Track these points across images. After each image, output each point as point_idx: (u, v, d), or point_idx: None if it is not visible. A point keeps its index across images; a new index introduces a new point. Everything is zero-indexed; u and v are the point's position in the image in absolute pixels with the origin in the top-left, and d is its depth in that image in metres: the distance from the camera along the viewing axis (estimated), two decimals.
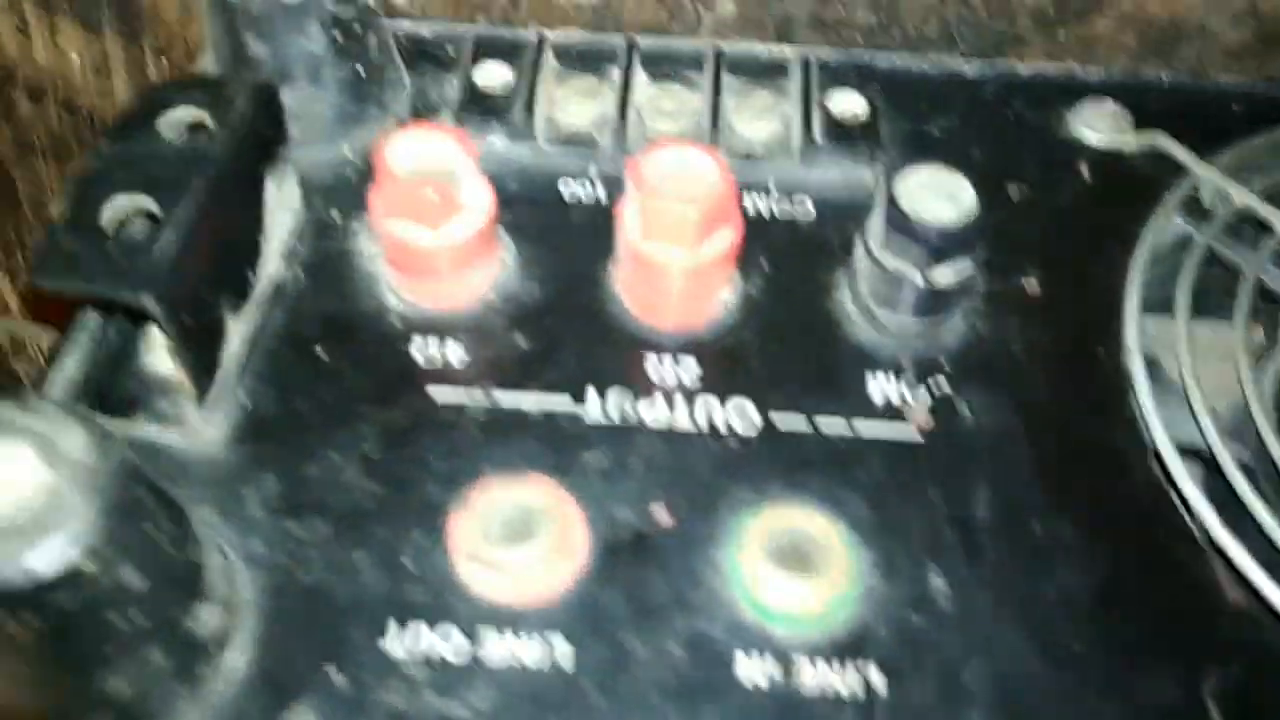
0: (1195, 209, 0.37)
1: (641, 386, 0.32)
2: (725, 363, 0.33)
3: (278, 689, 0.26)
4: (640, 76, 0.39)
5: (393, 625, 0.27)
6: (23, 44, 0.49)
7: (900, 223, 0.31)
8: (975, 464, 0.30)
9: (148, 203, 0.29)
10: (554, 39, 0.40)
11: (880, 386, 0.32)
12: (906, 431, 0.31)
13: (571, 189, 0.37)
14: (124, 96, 0.52)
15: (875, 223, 0.32)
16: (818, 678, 0.26)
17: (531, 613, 0.27)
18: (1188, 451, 0.31)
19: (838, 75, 0.39)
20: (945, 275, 0.31)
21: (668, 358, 0.33)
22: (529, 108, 0.38)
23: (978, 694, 0.26)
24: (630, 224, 0.32)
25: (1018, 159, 0.38)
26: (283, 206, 0.34)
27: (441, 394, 0.32)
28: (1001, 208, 0.36)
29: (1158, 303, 0.34)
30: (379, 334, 0.33)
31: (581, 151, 0.38)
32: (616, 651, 0.27)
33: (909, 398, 0.32)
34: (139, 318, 0.31)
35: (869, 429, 0.31)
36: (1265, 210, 0.36)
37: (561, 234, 0.36)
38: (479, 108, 0.38)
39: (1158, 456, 0.30)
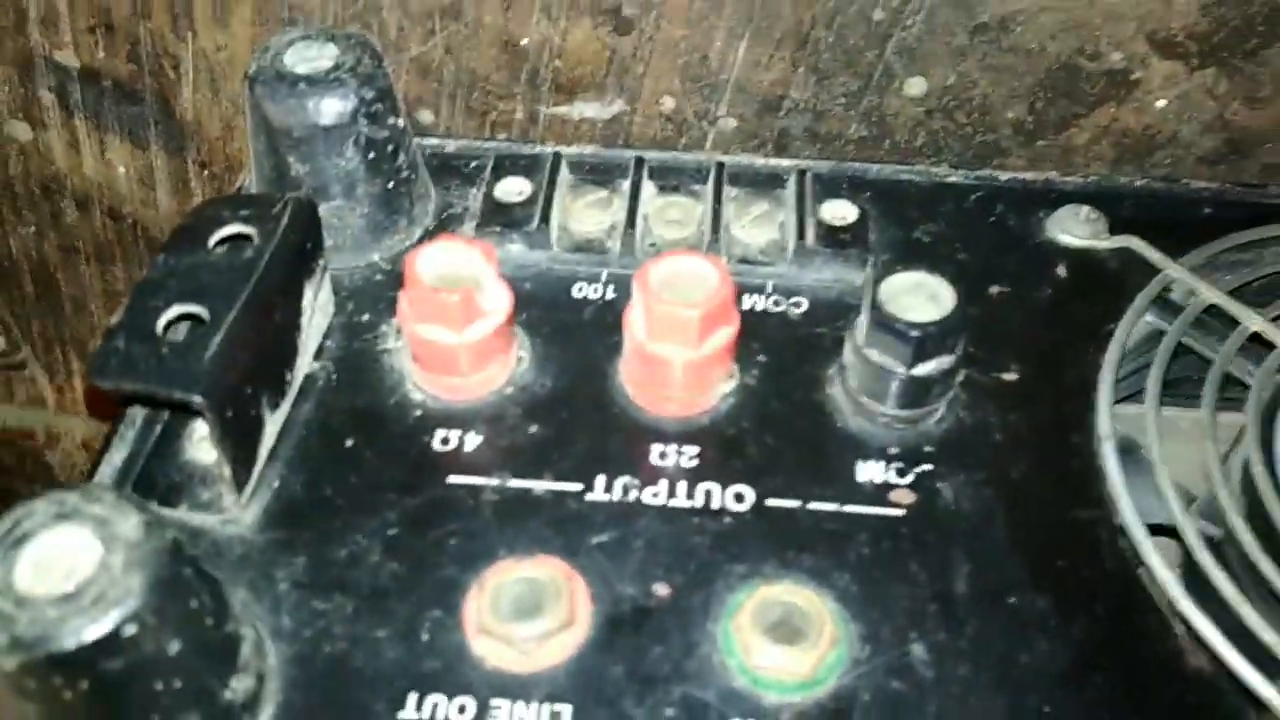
0: (1167, 305, 0.39)
1: (645, 472, 0.34)
2: (724, 449, 0.35)
3: None
4: (648, 188, 0.43)
5: (412, 698, 0.29)
6: (73, 158, 0.53)
7: (884, 322, 0.34)
8: (955, 541, 0.33)
9: (197, 309, 0.32)
10: (568, 154, 0.44)
11: (868, 471, 0.34)
12: (891, 511, 0.33)
13: (584, 291, 0.40)
14: (166, 205, 0.56)
15: (862, 321, 0.35)
16: None
17: (538, 680, 0.30)
18: (1162, 530, 0.33)
19: (830, 184, 0.42)
20: (927, 369, 0.34)
21: (671, 446, 0.35)
22: (545, 218, 0.41)
23: None
24: (637, 325, 0.35)
25: (999, 261, 0.41)
26: (319, 311, 0.38)
27: (460, 481, 0.34)
28: (983, 306, 0.39)
29: (1134, 391, 0.37)
30: (403, 426, 0.36)
31: (594, 257, 0.41)
32: (615, 715, 0.29)
33: (894, 480, 0.34)
34: (185, 412, 0.34)
35: (857, 510, 0.33)
36: (1232, 306, 0.38)
37: (574, 331, 0.39)
38: (499, 219, 0.41)
39: (1125, 533, 0.32)
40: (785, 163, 0.43)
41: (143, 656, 0.25)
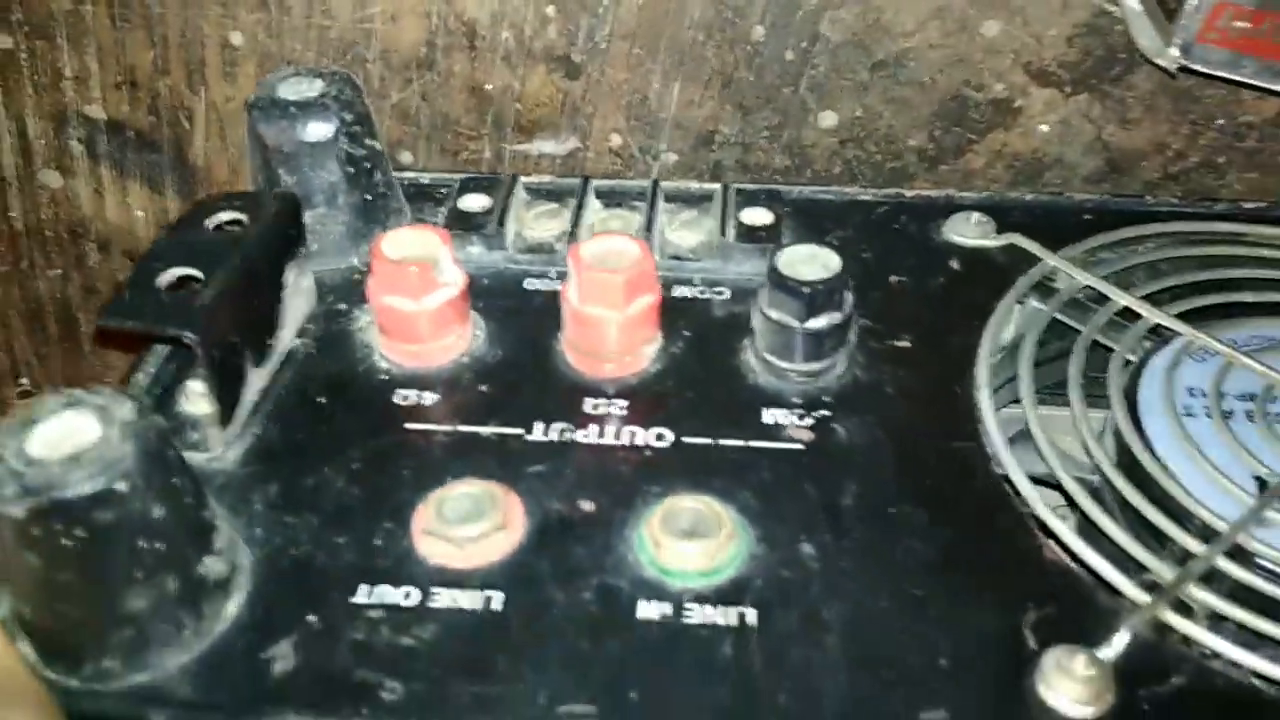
0: (1045, 290, 0.44)
1: (579, 419, 0.39)
2: (649, 402, 0.40)
3: (265, 629, 0.32)
4: (594, 204, 0.49)
5: (363, 588, 0.34)
6: (97, 203, 0.60)
7: (780, 283, 0.39)
8: (846, 468, 0.37)
9: (194, 271, 0.38)
10: (526, 180, 0.50)
11: (773, 415, 0.39)
12: (791, 445, 0.38)
13: (534, 285, 0.46)
14: None
15: (764, 288, 0.40)
16: (702, 615, 0.32)
17: (475, 574, 0.34)
18: (1038, 481, 0.38)
19: (752, 198, 0.48)
20: (819, 323, 0.39)
21: (603, 399, 0.40)
22: (501, 223, 0.47)
23: (834, 625, 0.32)
24: (572, 293, 0.40)
25: (899, 259, 0.47)
26: (299, 294, 0.43)
27: (416, 428, 0.39)
28: (883, 291, 0.45)
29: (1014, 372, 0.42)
30: (369, 387, 0.41)
31: (543, 257, 0.47)
32: (540, 599, 0.33)
33: (796, 422, 0.39)
34: (180, 347, 0.39)
35: (761, 444, 0.38)
36: (1103, 286, 0.43)
37: (524, 316, 0.44)
38: (462, 224, 0.47)
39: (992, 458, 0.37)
40: (715, 185, 0.50)
41: (130, 514, 0.30)
